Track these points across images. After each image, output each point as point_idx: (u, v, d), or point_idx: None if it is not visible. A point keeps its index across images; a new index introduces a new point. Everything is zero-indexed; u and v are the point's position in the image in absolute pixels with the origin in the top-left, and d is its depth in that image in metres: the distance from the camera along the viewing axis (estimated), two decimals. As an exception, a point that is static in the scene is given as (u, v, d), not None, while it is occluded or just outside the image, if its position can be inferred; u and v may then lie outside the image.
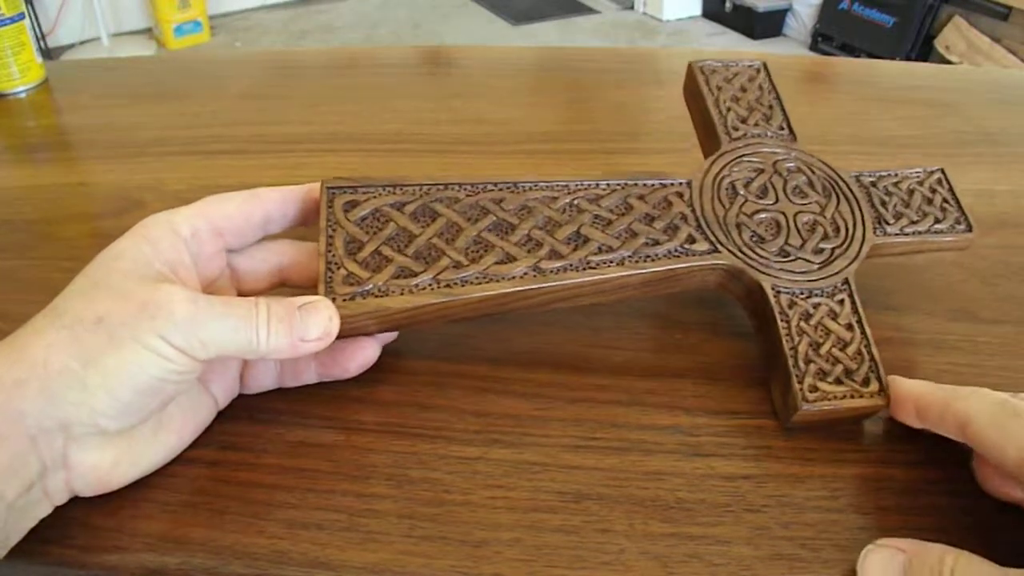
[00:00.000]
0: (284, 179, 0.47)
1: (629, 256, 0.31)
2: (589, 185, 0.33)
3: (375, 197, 0.31)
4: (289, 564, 0.25)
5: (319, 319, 0.27)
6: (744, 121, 0.37)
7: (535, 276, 0.30)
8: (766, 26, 2.92)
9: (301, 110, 0.56)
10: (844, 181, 0.35)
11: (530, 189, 0.32)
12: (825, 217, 0.33)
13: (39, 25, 2.68)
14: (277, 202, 0.31)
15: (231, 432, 0.30)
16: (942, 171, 0.37)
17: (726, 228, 0.33)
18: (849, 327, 0.31)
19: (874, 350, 0.30)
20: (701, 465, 0.28)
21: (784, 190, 0.34)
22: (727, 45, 2.92)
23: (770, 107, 0.38)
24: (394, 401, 0.31)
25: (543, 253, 0.31)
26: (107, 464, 0.26)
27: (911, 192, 0.35)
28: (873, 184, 0.35)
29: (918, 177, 0.36)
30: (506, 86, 0.62)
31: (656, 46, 2.90)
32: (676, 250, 0.31)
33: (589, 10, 3.27)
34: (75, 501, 0.26)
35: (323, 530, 0.26)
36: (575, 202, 0.32)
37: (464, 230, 0.31)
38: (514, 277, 0.30)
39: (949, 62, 2.40)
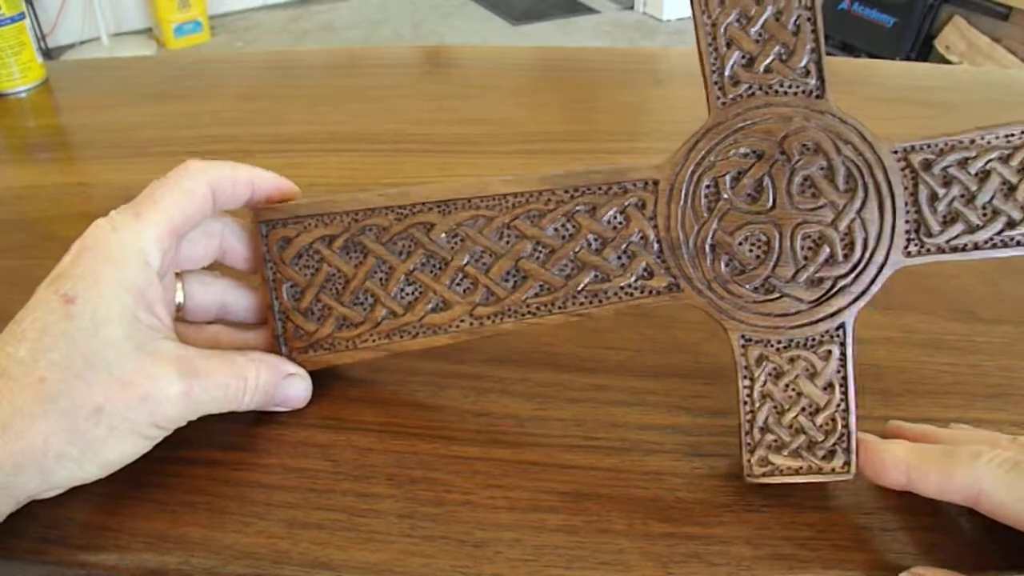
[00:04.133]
0: (284, 179, 0.47)
1: (573, 297, 0.28)
2: (530, 198, 0.28)
3: (306, 231, 0.30)
4: (289, 564, 0.25)
5: (297, 394, 0.30)
6: (751, 64, 0.26)
7: (471, 326, 0.29)
8: (766, 26, 2.92)
9: (301, 110, 0.56)
10: (882, 164, 0.26)
11: (462, 208, 0.28)
12: (838, 229, 0.26)
13: (39, 25, 2.68)
14: (228, 193, 0.30)
15: (231, 432, 0.30)
16: None
17: (695, 253, 0.26)
18: (828, 387, 0.26)
19: (851, 418, 0.26)
20: (701, 465, 0.28)
21: (787, 188, 0.26)
22: (727, 45, 2.91)
23: (796, 30, 0.26)
24: (394, 401, 0.31)
25: (478, 297, 0.29)
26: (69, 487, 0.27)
27: (986, 175, 0.25)
28: (927, 166, 0.26)
29: (1007, 145, 0.25)
30: (506, 86, 0.62)
31: (656, 46, 2.90)
32: (629, 287, 0.27)
33: (589, 10, 3.27)
34: (74, 501, 0.26)
35: (323, 530, 0.26)
36: (513, 223, 0.28)
37: (395, 269, 0.29)
38: (451, 328, 0.29)
39: (949, 62, 2.40)
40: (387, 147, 0.51)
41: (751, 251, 0.26)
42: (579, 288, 0.28)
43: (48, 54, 2.63)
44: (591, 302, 0.28)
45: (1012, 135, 0.25)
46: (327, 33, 3.10)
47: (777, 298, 0.26)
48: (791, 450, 0.26)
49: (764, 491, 0.27)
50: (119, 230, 0.27)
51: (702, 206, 0.26)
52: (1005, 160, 0.25)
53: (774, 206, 0.26)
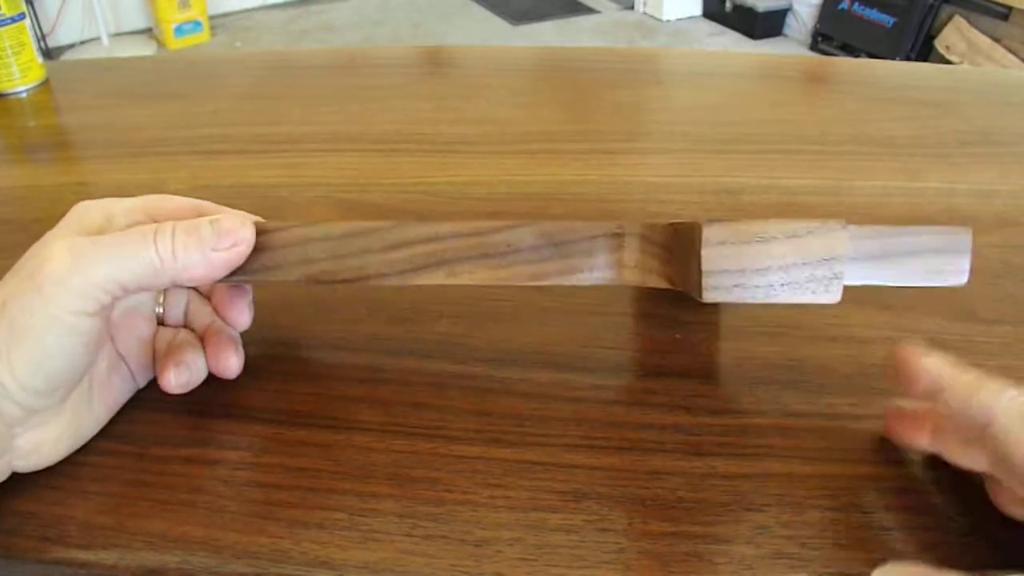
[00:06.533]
0: (284, 179, 0.47)
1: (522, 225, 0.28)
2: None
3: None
4: (290, 563, 0.25)
5: (231, 224, 0.27)
6: None
7: (407, 224, 0.27)
8: (766, 26, 2.93)
9: (301, 110, 0.56)
10: None
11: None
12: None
13: (39, 25, 2.69)
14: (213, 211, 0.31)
15: (231, 431, 0.30)
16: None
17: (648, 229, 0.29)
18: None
19: None
20: (701, 464, 0.28)
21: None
22: (727, 45, 2.92)
23: None
24: (394, 401, 0.31)
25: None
26: (50, 440, 0.26)
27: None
28: None
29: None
30: (506, 86, 0.62)
31: (656, 46, 2.90)
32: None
33: (589, 10, 3.27)
34: (74, 500, 0.26)
35: (324, 529, 0.26)
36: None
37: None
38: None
39: (949, 62, 2.40)
40: (387, 147, 0.51)
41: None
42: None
43: (48, 54, 2.63)
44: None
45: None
46: (327, 33, 3.10)
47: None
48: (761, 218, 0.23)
49: (764, 490, 0.27)
50: (96, 200, 0.28)
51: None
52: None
53: None
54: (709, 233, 0.22)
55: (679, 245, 0.26)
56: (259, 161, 0.49)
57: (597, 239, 0.27)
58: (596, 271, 0.27)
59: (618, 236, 0.27)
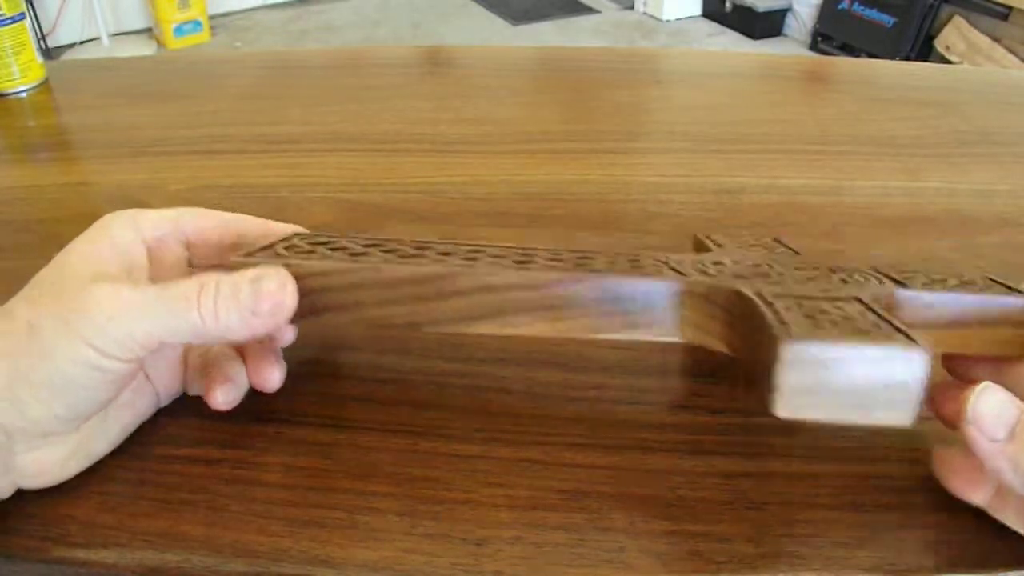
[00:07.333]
0: (284, 179, 0.47)
1: (578, 265, 0.28)
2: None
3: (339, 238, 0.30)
4: (290, 561, 0.25)
5: (271, 287, 0.26)
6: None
7: (463, 264, 0.27)
8: (766, 26, 2.93)
9: (301, 110, 0.56)
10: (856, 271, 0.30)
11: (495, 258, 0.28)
12: (833, 274, 0.29)
13: (39, 25, 2.69)
14: (256, 234, 0.30)
15: (231, 431, 0.30)
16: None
17: (702, 267, 0.29)
18: (862, 314, 0.24)
19: (900, 325, 0.23)
20: (702, 463, 0.28)
21: (783, 264, 0.30)
22: (727, 45, 2.92)
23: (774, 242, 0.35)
24: (395, 400, 0.31)
25: (482, 259, 0.28)
26: (57, 461, 0.26)
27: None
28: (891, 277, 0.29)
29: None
30: (506, 86, 0.62)
31: (656, 46, 2.90)
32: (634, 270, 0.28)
33: (589, 10, 3.27)
34: (75, 499, 0.26)
35: (324, 528, 0.26)
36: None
37: (406, 251, 0.28)
38: (438, 264, 0.27)
39: (949, 62, 2.40)
40: (387, 147, 0.51)
41: (754, 273, 0.28)
42: (587, 268, 0.28)
43: (48, 54, 2.63)
44: (595, 273, 0.27)
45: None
46: (327, 33, 3.10)
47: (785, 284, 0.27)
48: (835, 328, 0.22)
49: (765, 489, 0.27)
50: (122, 211, 0.29)
51: (709, 264, 0.29)
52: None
53: (771, 268, 0.29)
54: (785, 351, 0.21)
55: (742, 316, 0.26)
56: (259, 161, 0.49)
57: (660, 295, 0.27)
58: (656, 327, 0.27)
59: (681, 294, 0.27)
